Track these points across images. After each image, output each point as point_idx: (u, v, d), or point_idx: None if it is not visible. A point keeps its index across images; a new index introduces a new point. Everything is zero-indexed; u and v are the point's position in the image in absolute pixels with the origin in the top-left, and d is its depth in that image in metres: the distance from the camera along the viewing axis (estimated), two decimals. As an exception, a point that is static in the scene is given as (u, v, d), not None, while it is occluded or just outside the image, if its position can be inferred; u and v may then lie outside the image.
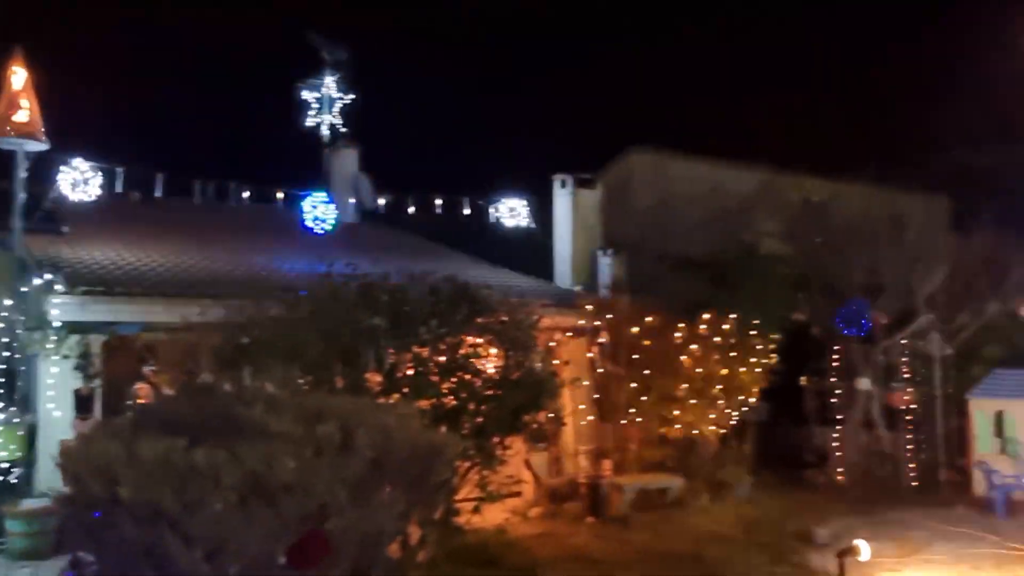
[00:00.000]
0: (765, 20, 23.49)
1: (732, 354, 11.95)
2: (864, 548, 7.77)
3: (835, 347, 13.17)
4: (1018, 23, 9.46)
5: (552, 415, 10.08)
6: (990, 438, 11.65)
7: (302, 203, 12.62)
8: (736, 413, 12.19)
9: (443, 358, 7.79)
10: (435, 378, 7.74)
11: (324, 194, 12.78)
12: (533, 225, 14.00)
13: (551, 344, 11.56)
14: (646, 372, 11.66)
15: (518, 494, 9.47)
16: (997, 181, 16.13)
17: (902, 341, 12.71)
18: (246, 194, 13.13)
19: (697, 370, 11.74)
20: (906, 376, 12.74)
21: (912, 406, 12.65)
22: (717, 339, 11.89)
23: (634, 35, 24.05)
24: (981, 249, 12.63)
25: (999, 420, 11.60)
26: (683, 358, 11.71)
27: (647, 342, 11.75)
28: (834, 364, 13.21)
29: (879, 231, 13.10)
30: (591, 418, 11.93)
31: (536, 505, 10.99)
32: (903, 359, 12.75)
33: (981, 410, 11.77)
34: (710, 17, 23.73)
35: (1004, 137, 18.37)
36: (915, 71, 21.63)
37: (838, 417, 13.16)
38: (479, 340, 8.03)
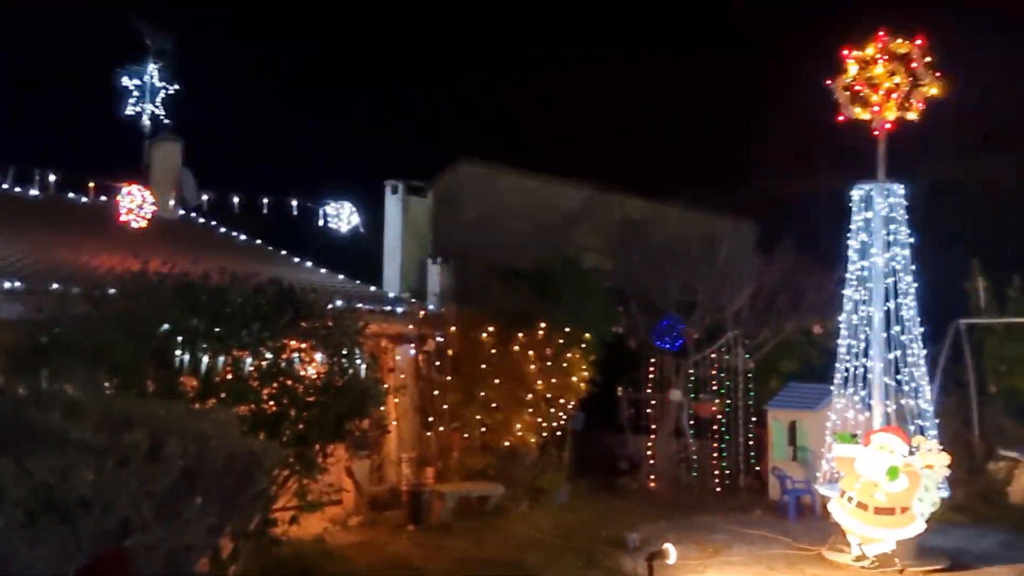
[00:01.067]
0: (598, 45, 24.19)
1: (554, 364, 12.12)
2: (671, 552, 8.00)
3: (650, 359, 13.64)
4: (819, 62, 10.22)
5: (376, 422, 9.85)
6: (785, 446, 12.39)
7: (118, 196, 11.76)
8: (556, 422, 12.36)
9: (264, 362, 7.43)
10: (255, 383, 7.37)
11: (142, 187, 11.97)
12: (363, 230, 13.69)
13: (377, 351, 11.33)
14: (471, 380, 11.62)
15: (338, 502, 9.16)
16: (798, 210, 17.30)
17: (711, 355, 13.31)
18: (53, 180, 12.11)
19: (521, 379, 11.82)
20: (713, 388, 13.35)
21: (718, 416, 13.27)
22: (540, 349, 12.03)
23: (473, 46, 24.18)
24: (781, 271, 13.43)
25: (792, 429, 12.35)
26: (507, 367, 11.76)
27: (473, 351, 11.72)
28: (649, 376, 13.68)
29: (693, 251, 13.69)
30: (415, 426, 11.78)
31: (356, 514, 10.71)
32: (711, 372, 13.37)
33: (777, 420, 12.50)
34: (550, 37, 24.21)
35: (806, 169, 19.76)
36: (733, 105, 22.88)
37: (651, 426, 13.65)
38: (303, 345, 7.72)
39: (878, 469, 8.85)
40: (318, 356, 7.70)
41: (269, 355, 7.43)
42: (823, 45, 10.26)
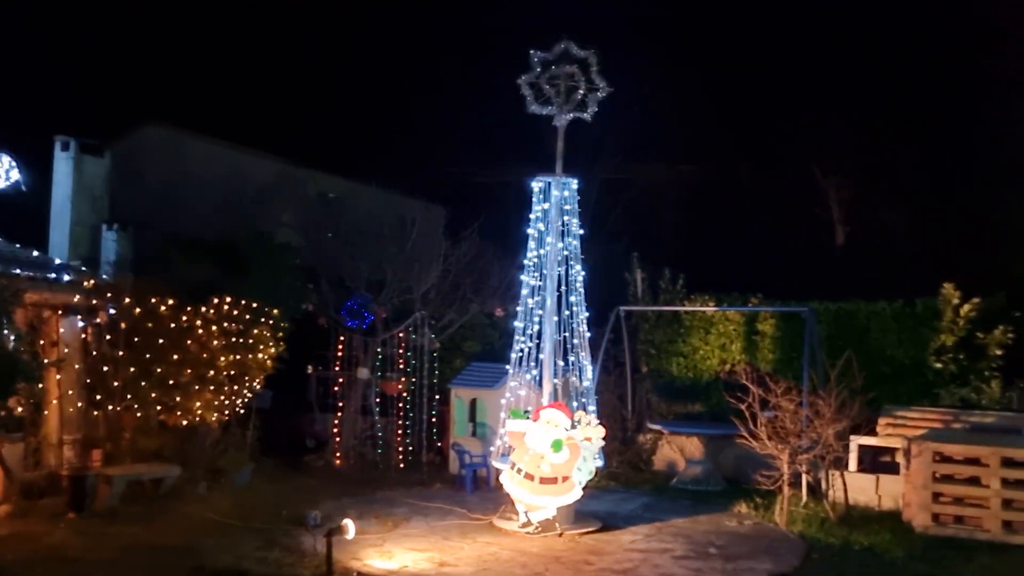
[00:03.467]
0: (301, 17, 23.41)
1: (239, 340, 11.65)
2: (350, 527, 8.04)
3: (339, 338, 13.56)
4: (514, 58, 10.74)
5: (31, 400, 8.88)
6: (466, 423, 12.90)
7: None
8: (241, 400, 11.90)
9: None
10: None
11: None
12: (25, 188, 12.24)
13: (39, 322, 10.22)
14: (147, 356, 10.84)
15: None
16: (486, 197, 18.04)
17: (399, 335, 13.50)
18: None
19: (203, 355, 11.23)
20: (400, 367, 13.56)
21: (404, 394, 13.50)
22: (225, 324, 11.50)
23: (165, 6, 22.36)
24: (468, 256, 13.92)
25: (473, 407, 12.89)
26: (188, 343, 11.12)
27: (150, 324, 10.94)
28: (338, 354, 13.60)
29: (385, 231, 13.77)
30: (81, 405, 10.77)
31: (5, 503, 9.60)
32: (399, 351, 13.55)
33: (459, 398, 12.97)
34: (253, 3, 22.98)
35: (495, 159, 20.66)
36: (430, 92, 23.25)
37: (339, 404, 13.58)
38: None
39: (544, 442, 9.48)
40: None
41: None
42: (519, 42, 10.72)
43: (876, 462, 11.46)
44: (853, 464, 11.34)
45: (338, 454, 13.30)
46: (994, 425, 10.97)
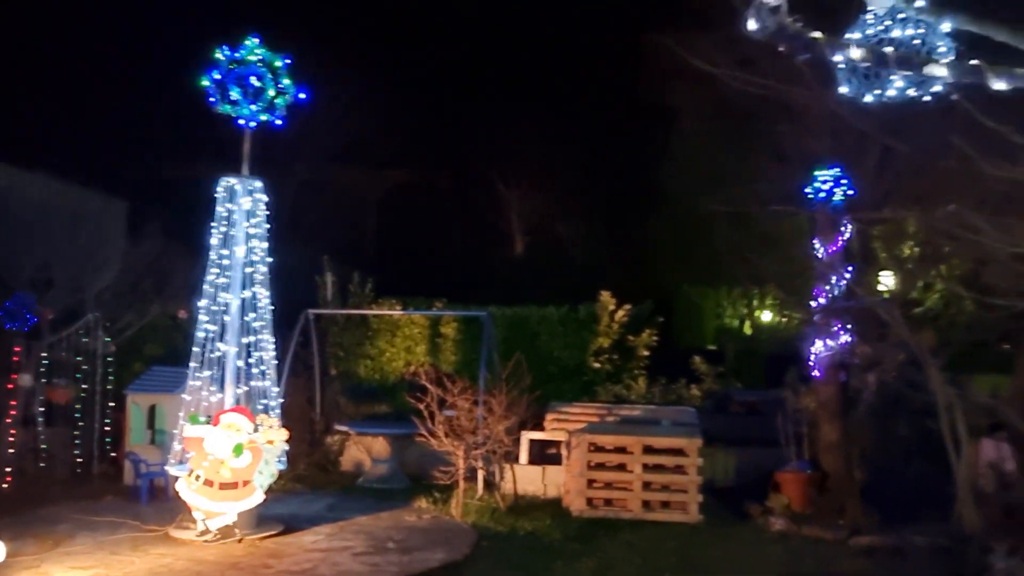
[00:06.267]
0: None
1: None
2: (0, 550, 7.30)
3: (-3, 342, 12.18)
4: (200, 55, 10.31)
5: None
6: (143, 430, 12.12)
7: None
8: None
9: None
10: None
11: None
12: None
13: None
14: None
15: None
16: (174, 194, 17.07)
17: (68, 337, 12.39)
18: None
19: None
20: (70, 372, 12.45)
21: (74, 402, 12.41)
22: None
23: None
24: (151, 254, 13.12)
25: (152, 413, 12.16)
26: None
27: None
28: (-4, 359, 12.19)
29: (55, 226, 12.59)
30: None
31: None
32: (68, 355, 12.44)
33: (136, 404, 12.17)
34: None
35: (185, 156, 19.61)
36: (118, 84, 21.54)
37: None
38: None
39: (225, 447, 9.20)
40: None
41: None
42: (213, 36, 10.30)
43: (544, 454, 12.40)
44: (524, 457, 12.18)
45: (-5, 470, 11.90)
46: (640, 417, 12.32)
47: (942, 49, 4.28)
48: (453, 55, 23.17)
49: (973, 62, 3.59)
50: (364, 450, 13.40)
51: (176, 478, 9.84)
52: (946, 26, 4.18)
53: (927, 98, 4.28)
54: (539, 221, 21.63)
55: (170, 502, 10.79)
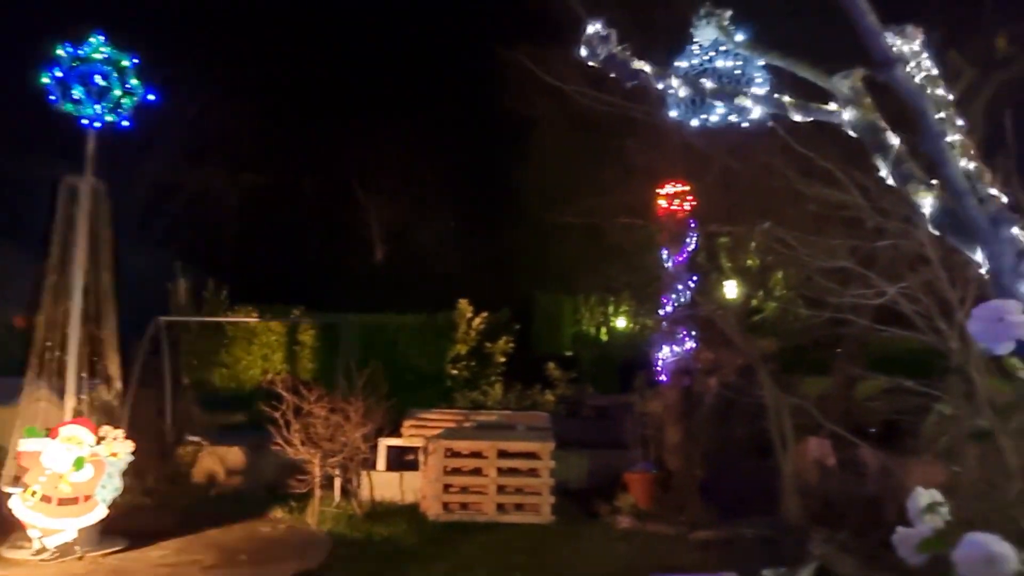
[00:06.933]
0: None
1: None
2: None
3: None
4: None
5: None
6: (-27, 445, 11.38)
7: None
8: None
9: None
10: None
11: None
12: None
13: None
14: None
15: None
16: (10, 196, 16.11)
17: None
18: None
19: None
20: None
21: None
22: None
23: None
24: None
25: (-16, 427, 11.43)
26: None
27: None
28: None
29: None
30: None
31: None
32: None
33: (-34, 417, 11.42)
34: None
35: (23, 157, 18.51)
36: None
37: None
38: None
39: (64, 461, 8.80)
40: None
41: None
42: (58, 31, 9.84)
43: (402, 461, 12.44)
44: (381, 464, 12.18)
45: None
46: (495, 423, 12.56)
47: (759, 80, 4.66)
48: (316, 59, 22.88)
49: (776, 96, 3.95)
50: (218, 461, 13.04)
51: (9, 495, 9.33)
52: (761, 60, 4.55)
53: (745, 124, 4.65)
54: (400, 229, 21.63)
55: (3, 522, 10.20)
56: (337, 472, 11.43)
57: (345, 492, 11.68)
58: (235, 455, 12.88)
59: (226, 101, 20.42)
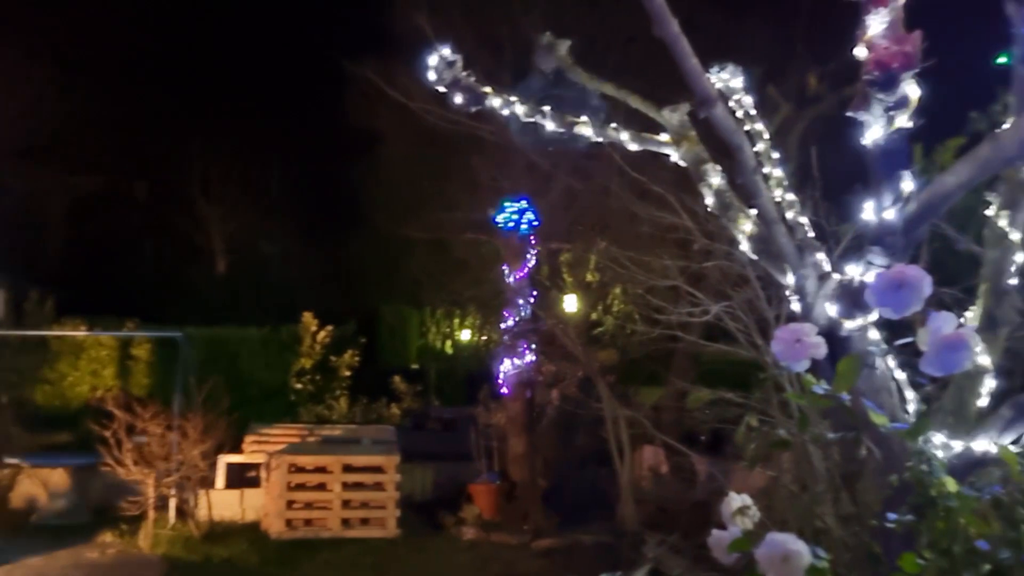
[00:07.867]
0: None
1: None
2: None
3: None
4: None
5: None
6: None
7: None
8: None
9: None
10: None
11: None
12: None
13: None
14: None
15: None
16: None
17: None
18: None
19: None
20: None
21: None
22: None
23: None
24: None
25: None
26: None
27: None
28: None
29: None
30: None
31: None
32: None
33: None
34: None
35: None
36: None
37: None
38: None
39: None
40: None
41: None
42: None
43: (243, 478, 12.03)
44: (220, 482, 11.74)
45: None
46: (340, 437, 12.37)
47: (596, 106, 4.89)
48: (159, 62, 21.90)
49: (612, 126, 4.16)
50: (40, 484, 12.16)
51: None
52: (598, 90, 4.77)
53: (580, 145, 4.87)
54: (242, 239, 20.95)
55: None
56: (173, 492, 10.94)
57: (181, 512, 11.18)
58: (59, 477, 12.05)
59: (60, 99, 19.18)
